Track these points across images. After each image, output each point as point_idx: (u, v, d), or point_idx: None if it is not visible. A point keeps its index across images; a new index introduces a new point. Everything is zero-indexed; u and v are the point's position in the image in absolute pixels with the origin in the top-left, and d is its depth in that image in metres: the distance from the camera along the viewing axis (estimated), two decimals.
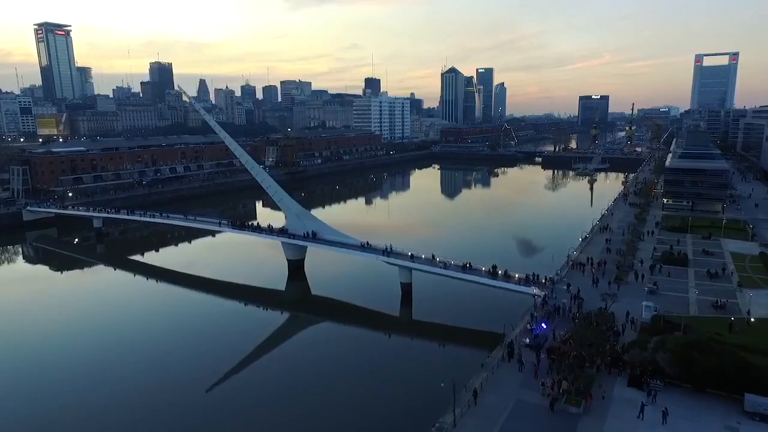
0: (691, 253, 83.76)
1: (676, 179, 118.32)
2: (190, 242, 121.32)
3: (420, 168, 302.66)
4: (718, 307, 60.34)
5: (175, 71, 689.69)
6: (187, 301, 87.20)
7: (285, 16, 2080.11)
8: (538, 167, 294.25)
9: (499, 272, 71.53)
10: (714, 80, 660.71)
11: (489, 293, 72.10)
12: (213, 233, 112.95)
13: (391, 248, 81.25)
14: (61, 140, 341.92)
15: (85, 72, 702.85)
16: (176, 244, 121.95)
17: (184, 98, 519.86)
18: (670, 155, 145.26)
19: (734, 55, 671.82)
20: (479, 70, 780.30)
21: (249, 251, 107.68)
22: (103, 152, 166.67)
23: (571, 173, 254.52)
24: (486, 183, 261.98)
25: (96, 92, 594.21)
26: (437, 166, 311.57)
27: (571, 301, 60.66)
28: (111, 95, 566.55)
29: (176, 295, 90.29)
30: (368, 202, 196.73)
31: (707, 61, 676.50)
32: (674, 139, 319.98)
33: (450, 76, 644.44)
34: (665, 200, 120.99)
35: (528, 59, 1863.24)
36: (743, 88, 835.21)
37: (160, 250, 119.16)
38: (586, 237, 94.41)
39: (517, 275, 70.37)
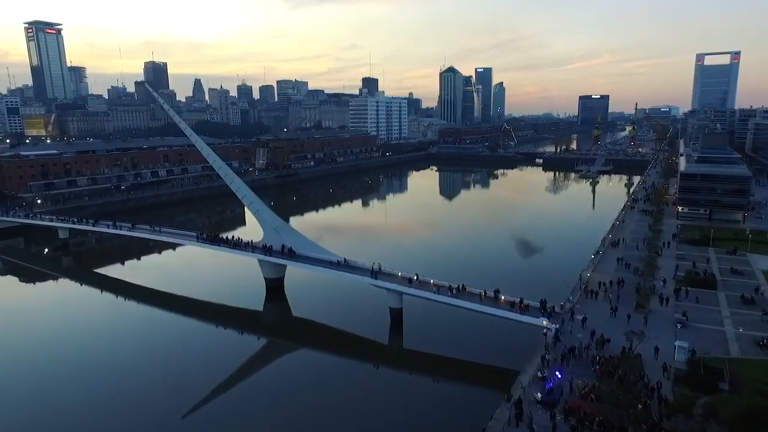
0: (718, 272, 74.31)
1: (693, 185, 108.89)
2: (162, 254, 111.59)
3: (417, 170, 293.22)
4: (764, 346, 50.86)
5: (173, 71, 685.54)
6: (157, 320, 78.67)
7: (285, 16, 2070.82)
8: (539, 169, 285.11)
9: (502, 298, 62.19)
10: (715, 80, 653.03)
11: (490, 320, 62.76)
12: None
13: (380, 267, 71.83)
14: (48, 141, 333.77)
15: (79, 72, 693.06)
16: (147, 256, 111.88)
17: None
18: (682, 158, 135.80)
19: (736, 54, 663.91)
20: (478, 70, 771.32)
21: (225, 264, 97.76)
22: (78, 155, 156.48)
23: (572, 175, 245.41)
24: (486, 186, 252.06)
25: (91, 92, 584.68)
26: (435, 168, 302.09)
27: (590, 338, 51.11)
28: (107, 95, 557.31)
29: (146, 314, 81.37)
30: (362, 207, 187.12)
31: (708, 60, 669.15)
32: (678, 140, 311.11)
33: (449, 75, 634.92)
34: (680, 208, 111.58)
35: (527, 59, 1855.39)
36: (745, 88, 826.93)
37: (131, 262, 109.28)
38: (599, 252, 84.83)
39: (522, 302, 60.88)
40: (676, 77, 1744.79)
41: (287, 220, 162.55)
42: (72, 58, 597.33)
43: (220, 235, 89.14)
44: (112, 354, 65.17)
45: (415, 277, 68.36)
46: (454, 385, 59.28)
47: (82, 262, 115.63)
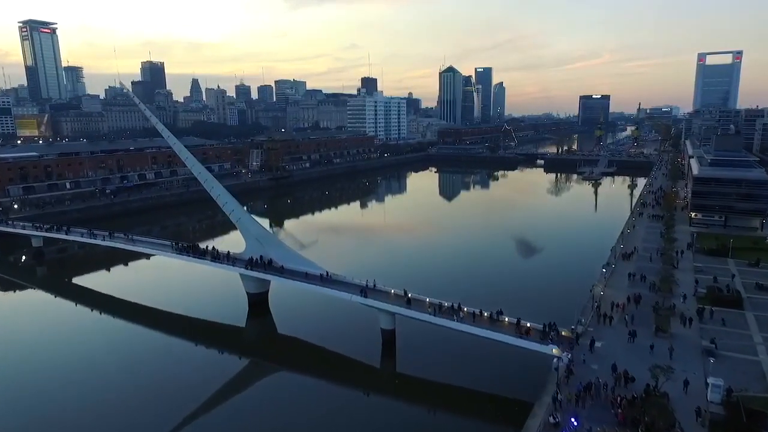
0: (742, 288, 67.72)
1: (707, 190, 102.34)
2: (141, 262, 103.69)
3: (416, 171, 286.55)
4: None
5: (173, 71, 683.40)
6: (131, 336, 72.79)
7: (285, 16, 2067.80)
8: (540, 170, 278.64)
9: (506, 320, 55.76)
10: (717, 79, 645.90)
11: (493, 343, 56.21)
12: None
13: (374, 284, 65.32)
14: (41, 142, 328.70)
15: (76, 72, 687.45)
16: (126, 264, 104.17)
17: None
18: (692, 161, 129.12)
19: (738, 54, 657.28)
20: (478, 70, 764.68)
21: (206, 274, 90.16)
22: (60, 158, 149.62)
23: (574, 177, 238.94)
24: (486, 190, 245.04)
25: (88, 92, 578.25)
26: (434, 169, 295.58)
27: (611, 373, 44.44)
28: (104, 95, 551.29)
29: (120, 330, 75.34)
30: (358, 211, 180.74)
31: (710, 60, 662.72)
32: (684, 141, 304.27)
33: (448, 75, 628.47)
34: (693, 214, 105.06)
35: (527, 59, 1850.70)
36: (746, 88, 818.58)
37: (107, 271, 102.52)
38: (609, 264, 78.08)
39: (529, 325, 54.38)
40: (677, 77, 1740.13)
41: (281, 224, 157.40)
42: (72, 58, 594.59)
43: (198, 245, 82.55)
44: (82, 372, 60.85)
45: (408, 295, 61.87)
46: (451, 416, 52.91)
47: (57, 271, 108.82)
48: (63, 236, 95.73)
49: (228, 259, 75.40)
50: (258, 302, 76.19)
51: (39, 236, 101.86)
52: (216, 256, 76.45)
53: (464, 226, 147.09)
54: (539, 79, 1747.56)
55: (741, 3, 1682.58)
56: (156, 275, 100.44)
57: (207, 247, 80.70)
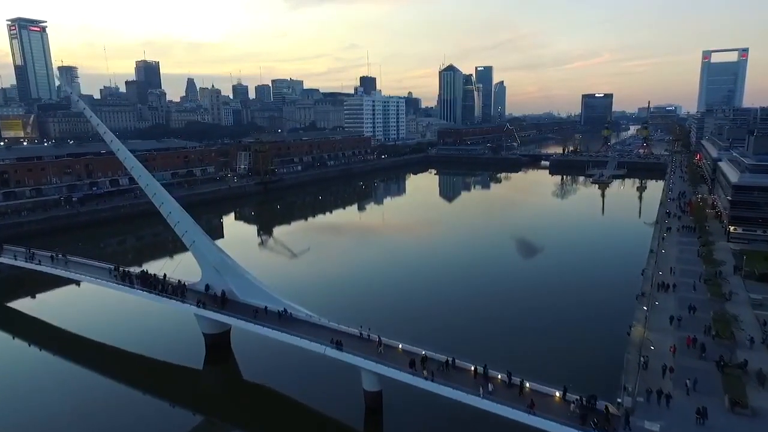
0: None
1: (750, 201, 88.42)
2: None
3: (415, 173, 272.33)
4: None
5: (173, 71, 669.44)
6: (72, 378, 61.41)
7: (285, 16, 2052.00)
8: (545, 172, 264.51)
9: (528, 386, 41.86)
10: (722, 77, 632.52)
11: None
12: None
13: (368, 334, 51.40)
14: (25, 143, 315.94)
15: (70, 71, 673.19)
16: (72, 286, 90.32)
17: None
18: (723, 165, 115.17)
19: (744, 51, 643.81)
20: (478, 69, 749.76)
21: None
22: (18, 163, 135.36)
23: (581, 179, 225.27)
24: (489, 194, 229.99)
25: (83, 92, 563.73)
26: (434, 171, 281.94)
27: None
28: (98, 96, 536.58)
29: (60, 369, 63.56)
30: (351, 219, 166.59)
31: (715, 58, 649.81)
32: (694, 140, 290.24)
33: (448, 74, 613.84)
34: (732, 228, 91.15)
35: (527, 58, 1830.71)
36: (752, 87, 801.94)
37: (55, 292, 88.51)
38: (647, 295, 63.77)
39: (557, 394, 40.55)
40: (678, 76, 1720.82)
41: (270, 232, 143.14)
42: (71, 59, 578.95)
43: (147, 271, 68.70)
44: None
45: (399, 346, 48.13)
46: None
47: None
48: None
49: (179, 292, 61.23)
50: (217, 344, 62.30)
51: None
52: (164, 288, 62.27)
53: (466, 236, 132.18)
54: (539, 79, 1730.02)
55: (742, 2, 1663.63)
56: (106, 299, 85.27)
57: (155, 275, 66.40)
